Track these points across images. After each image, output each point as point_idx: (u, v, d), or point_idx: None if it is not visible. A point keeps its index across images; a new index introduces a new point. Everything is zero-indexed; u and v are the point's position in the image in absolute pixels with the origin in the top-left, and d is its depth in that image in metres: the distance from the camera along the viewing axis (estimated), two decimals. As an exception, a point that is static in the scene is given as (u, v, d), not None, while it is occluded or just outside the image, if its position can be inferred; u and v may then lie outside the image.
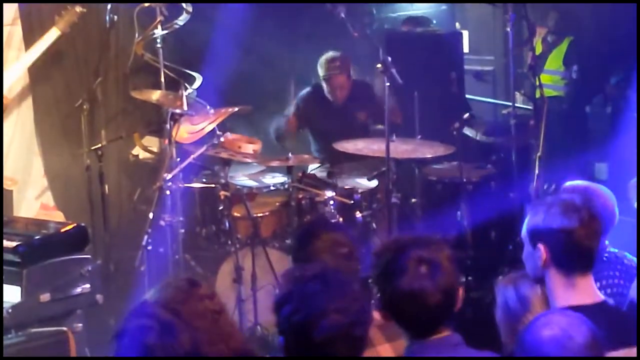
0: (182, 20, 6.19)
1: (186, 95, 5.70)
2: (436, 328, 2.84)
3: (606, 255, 3.89)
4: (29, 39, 6.33)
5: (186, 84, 5.81)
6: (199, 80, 6.34)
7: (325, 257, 3.56)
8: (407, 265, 2.79)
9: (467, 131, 6.54)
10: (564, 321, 2.67)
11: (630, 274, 3.81)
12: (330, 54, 6.82)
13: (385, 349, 3.33)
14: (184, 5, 6.19)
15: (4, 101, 6.04)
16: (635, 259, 3.92)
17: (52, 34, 6.11)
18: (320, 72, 6.82)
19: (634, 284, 3.67)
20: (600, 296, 3.19)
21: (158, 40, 6.07)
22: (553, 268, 3.15)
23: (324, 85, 6.85)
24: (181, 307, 2.73)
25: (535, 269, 3.22)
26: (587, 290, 3.15)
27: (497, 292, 3.42)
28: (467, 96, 8.03)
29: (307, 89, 7.06)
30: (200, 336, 2.70)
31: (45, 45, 6.11)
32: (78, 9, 6.15)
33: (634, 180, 5.40)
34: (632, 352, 3.00)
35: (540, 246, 3.16)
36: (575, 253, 3.13)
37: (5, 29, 6.35)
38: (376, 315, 2.91)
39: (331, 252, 3.60)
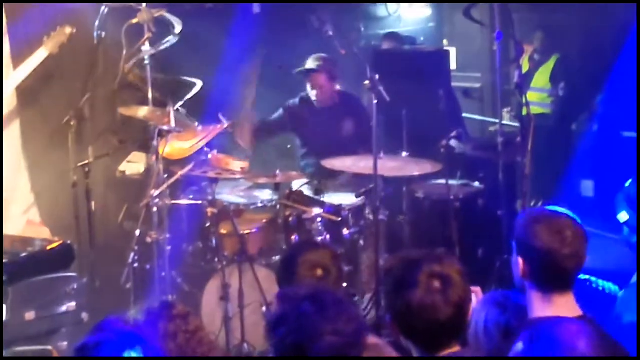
0: (169, 42, 6.18)
1: (174, 112, 5.70)
2: (447, 343, 2.84)
3: None
4: (17, 54, 6.32)
5: (172, 101, 5.79)
6: (198, 85, 6.35)
7: (307, 281, 3.57)
8: (419, 280, 2.79)
9: (456, 145, 6.55)
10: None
11: (598, 299, 3.79)
12: (316, 54, 6.88)
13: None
14: (173, 22, 6.19)
15: None
16: (605, 283, 3.92)
17: (40, 54, 6.10)
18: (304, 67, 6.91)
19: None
20: (579, 311, 3.15)
21: (146, 58, 6.06)
22: (531, 282, 3.15)
23: (307, 83, 6.92)
24: (152, 329, 2.75)
25: (517, 278, 3.22)
26: (566, 306, 3.12)
27: (476, 312, 3.40)
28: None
29: (296, 98, 7.09)
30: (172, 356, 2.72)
31: (34, 65, 6.10)
32: (67, 30, 6.15)
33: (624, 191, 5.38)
34: None
35: (520, 259, 3.16)
36: (553, 273, 3.11)
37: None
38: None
39: (311, 275, 3.61)
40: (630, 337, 3.52)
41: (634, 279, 4.07)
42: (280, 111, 7.06)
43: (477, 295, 3.59)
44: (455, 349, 2.87)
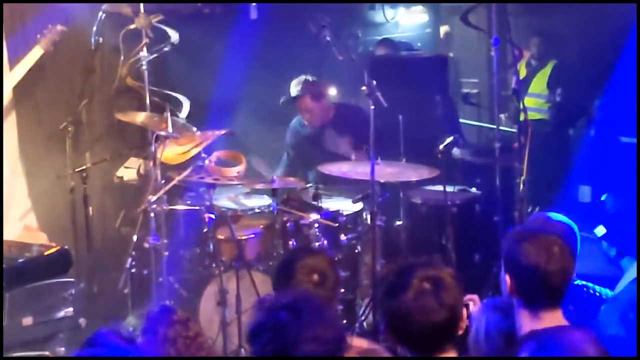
0: (166, 47, 6.19)
1: (172, 118, 5.71)
2: (442, 346, 2.84)
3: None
4: (14, 60, 6.33)
5: (172, 108, 5.80)
6: (186, 104, 6.34)
7: (303, 286, 3.58)
8: (411, 283, 2.81)
9: (453, 151, 6.55)
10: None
11: (595, 305, 3.80)
12: (296, 78, 6.87)
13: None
14: (168, 31, 6.20)
15: None
16: (601, 289, 3.93)
17: (35, 53, 6.12)
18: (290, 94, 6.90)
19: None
20: (564, 323, 3.15)
21: (143, 63, 6.06)
22: (519, 298, 3.15)
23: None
24: (152, 334, 2.77)
25: (506, 295, 3.23)
26: (553, 322, 3.11)
27: (476, 318, 3.40)
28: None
29: (294, 119, 7.10)
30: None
31: (29, 64, 6.12)
32: (59, 27, 6.17)
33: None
34: None
35: (507, 276, 3.16)
36: (541, 290, 3.10)
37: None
38: (358, 342, 2.91)
39: (308, 280, 3.62)
40: (613, 349, 3.52)
41: (616, 290, 4.08)
42: (286, 149, 7.05)
43: (474, 303, 3.60)
44: (452, 354, 2.87)
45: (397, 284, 2.84)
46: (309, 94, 6.81)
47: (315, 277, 3.65)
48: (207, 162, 5.69)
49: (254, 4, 7.64)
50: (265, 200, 6.34)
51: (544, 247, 3.09)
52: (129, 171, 6.70)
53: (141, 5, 6.08)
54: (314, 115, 6.88)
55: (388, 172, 6.08)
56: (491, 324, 3.35)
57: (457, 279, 2.87)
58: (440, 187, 6.25)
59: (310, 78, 6.86)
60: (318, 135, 6.92)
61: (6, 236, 6.24)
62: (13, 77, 6.19)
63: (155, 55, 6.10)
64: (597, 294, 3.90)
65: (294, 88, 6.83)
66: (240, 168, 6.07)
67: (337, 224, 6.02)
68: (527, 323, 3.12)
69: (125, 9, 6.14)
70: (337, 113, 6.95)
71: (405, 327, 2.82)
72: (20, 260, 5.07)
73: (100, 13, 6.20)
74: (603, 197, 4.79)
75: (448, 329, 2.84)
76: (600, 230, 4.74)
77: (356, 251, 6.16)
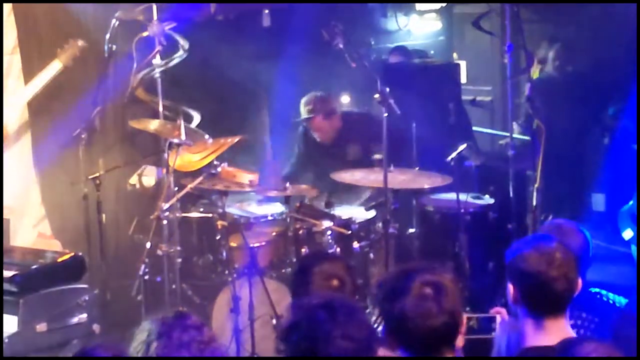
0: (178, 57, 6.19)
1: (184, 125, 5.72)
2: (440, 350, 2.85)
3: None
4: (28, 69, 6.36)
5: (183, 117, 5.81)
6: (197, 118, 6.35)
7: (322, 291, 3.58)
8: (411, 288, 2.82)
9: (468, 154, 6.52)
10: None
11: (607, 312, 3.79)
12: (306, 97, 6.89)
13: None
14: (180, 41, 6.20)
15: (4, 133, 6.06)
16: (615, 297, 3.92)
17: (54, 67, 6.14)
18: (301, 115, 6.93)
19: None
20: (570, 334, 3.14)
21: (156, 71, 6.07)
22: (523, 307, 3.15)
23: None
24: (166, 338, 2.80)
25: (511, 304, 3.23)
26: (557, 331, 3.10)
27: (499, 336, 3.40)
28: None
29: (300, 129, 7.11)
30: None
31: (47, 77, 6.14)
32: (80, 42, 6.20)
33: (625, 208, 5.39)
34: None
35: (510, 285, 3.16)
36: (543, 297, 3.10)
37: (5, 58, 6.39)
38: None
39: (326, 286, 3.63)
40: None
41: None
42: (296, 150, 7.08)
43: (502, 315, 3.59)
44: (449, 356, 2.88)
45: (397, 288, 2.87)
46: (320, 114, 6.84)
47: (335, 282, 3.66)
48: (219, 169, 5.69)
49: (266, 11, 7.66)
50: (278, 208, 6.34)
51: (545, 253, 3.09)
52: (146, 179, 6.71)
53: (154, 12, 6.09)
54: (326, 132, 6.93)
55: (401, 179, 6.08)
56: (512, 343, 3.35)
57: (456, 283, 2.88)
58: (453, 195, 6.24)
59: (318, 94, 6.88)
60: (329, 149, 6.92)
61: (20, 243, 6.27)
62: (29, 90, 6.21)
63: (167, 65, 6.09)
64: (611, 301, 3.89)
65: (304, 109, 6.86)
66: (254, 177, 6.07)
67: (349, 232, 6.02)
68: (531, 334, 3.13)
69: (139, 15, 6.14)
70: (343, 125, 6.97)
71: (405, 330, 2.84)
72: (34, 267, 5.09)
73: (114, 20, 6.22)
74: (632, 202, 4.77)
75: (447, 333, 2.85)
76: (628, 234, 4.73)
77: (369, 259, 6.15)
